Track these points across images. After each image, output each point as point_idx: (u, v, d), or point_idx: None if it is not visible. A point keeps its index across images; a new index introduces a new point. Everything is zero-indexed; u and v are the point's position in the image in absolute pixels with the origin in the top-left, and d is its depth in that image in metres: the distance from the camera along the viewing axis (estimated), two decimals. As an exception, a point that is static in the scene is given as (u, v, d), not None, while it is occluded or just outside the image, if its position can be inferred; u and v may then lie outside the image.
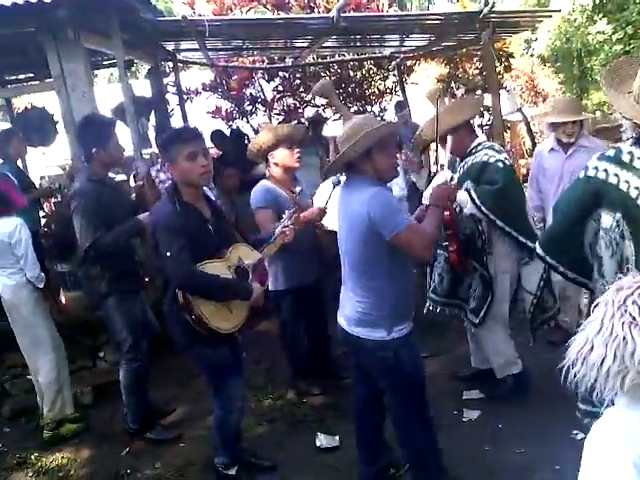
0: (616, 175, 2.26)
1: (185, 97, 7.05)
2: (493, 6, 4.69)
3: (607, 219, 2.31)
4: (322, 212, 3.37)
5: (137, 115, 5.26)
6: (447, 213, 3.05)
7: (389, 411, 2.72)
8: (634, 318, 1.19)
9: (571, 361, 1.26)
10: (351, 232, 2.44)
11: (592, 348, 1.23)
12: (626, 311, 1.20)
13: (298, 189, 3.65)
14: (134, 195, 3.76)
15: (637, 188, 2.20)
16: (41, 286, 3.53)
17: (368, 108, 7.52)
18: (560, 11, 8.17)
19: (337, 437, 3.32)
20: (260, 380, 4.08)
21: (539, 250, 2.64)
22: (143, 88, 6.99)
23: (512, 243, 3.31)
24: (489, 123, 7.00)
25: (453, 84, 7.59)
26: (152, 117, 6.41)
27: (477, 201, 3.18)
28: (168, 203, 2.68)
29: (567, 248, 2.53)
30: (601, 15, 11.60)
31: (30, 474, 3.39)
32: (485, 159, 3.27)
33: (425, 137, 3.41)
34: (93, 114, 3.72)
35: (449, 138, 3.28)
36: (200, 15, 6.46)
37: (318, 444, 3.29)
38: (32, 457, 3.53)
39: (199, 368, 3.04)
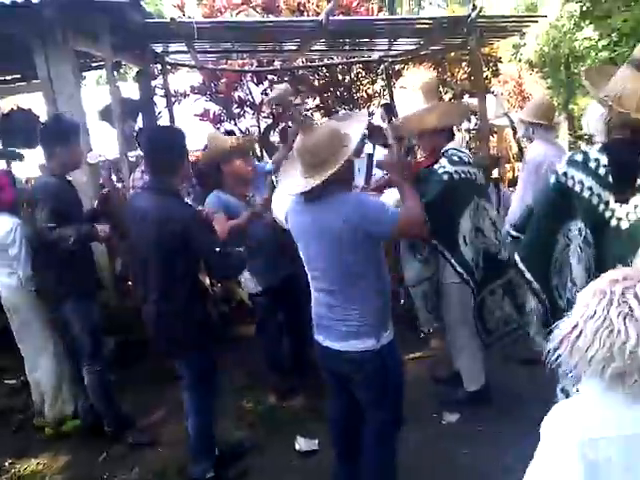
0: (580, 182, 2.27)
1: (173, 100, 7.03)
2: (480, 11, 4.70)
3: (573, 227, 2.33)
4: (267, 202, 3.35)
5: (124, 117, 5.25)
6: None
7: (368, 426, 2.60)
8: (632, 310, 1.22)
9: (556, 343, 1.30)
10: (334, 246, 2.31)
11: (580, 334, 1.26)
12: (624, 302, 1.23)
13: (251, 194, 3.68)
14: (97, 201, 3.68)
15: (599, 195, 2.23)
16: (32, 289, 3.51)
17: (356, 112, 7.53)
18: (546, 17, 8.25)
19: (316, 440, 3.32)
20: (241, 384, 4.07)
21: (520, 265, 2.49)
22: (132, 90, 6.97)
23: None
24: (476, 127, 7.04)
25: (441, 88, 7.60)
26: (139, 120, 6.40)
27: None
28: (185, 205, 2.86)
29: (540, 263, 2.45)
30: (588, 22, 11.68)
31: (4, 480, 3.35)
32: (436, 167, 3.22)
33: (403, 128, 3.42)
34: (59, 115, 3.75)
35: (425, 138, 3.34)
36: (190, 18, 6.46)
37: (297, 448, 3.29)
38: (6, 464, 3.48)
39: (191, 372, 2.96)
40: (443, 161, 3.24)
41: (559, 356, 1.29)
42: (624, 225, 2.20)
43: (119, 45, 5.06)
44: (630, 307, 1.22)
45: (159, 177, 2.79)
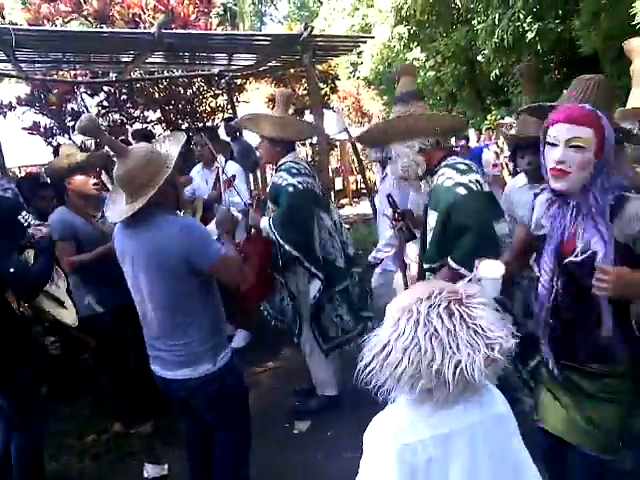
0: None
1: (-4, 112, 6.45)
2: (312, 30, 4.90)
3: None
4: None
5: None
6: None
7: (218, 447, 2.56)
8: (436, 330, 1.26)
9: (368, 360, 1.32)
10: (157, 271, 2.24)
11: (391, 351, 1.29)
12: (429, 322, 1.27)
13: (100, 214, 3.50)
14: None
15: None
16: None
17: (200, 125, 7.45)
18: (374, 37, 8.83)
19: (166, 466, 3.21)
20: (83, 414, 3.81)
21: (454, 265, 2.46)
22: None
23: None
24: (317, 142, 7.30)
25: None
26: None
27: (273, 228, 3.28)
28: None
29: None
30: (416, 44, 12.70)
31: None
32: (279, 182, 3.35)
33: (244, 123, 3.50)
34: None
35: (264, 145, 3.43)
36: (13, 24, 5.97)
37: (146, 475, 3.15)
38: None
39: (9, 401, 2.73)
40: (284, 174, 3.35)
41: (371, 371, 1.31)
42: None
43: None
44: (435, 327, 1.26)
45: None
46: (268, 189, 3.52)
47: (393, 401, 1.38)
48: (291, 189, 3.29)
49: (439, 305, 1.29)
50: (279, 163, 3.44)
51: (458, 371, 1.24)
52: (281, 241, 3.28)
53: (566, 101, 2.37)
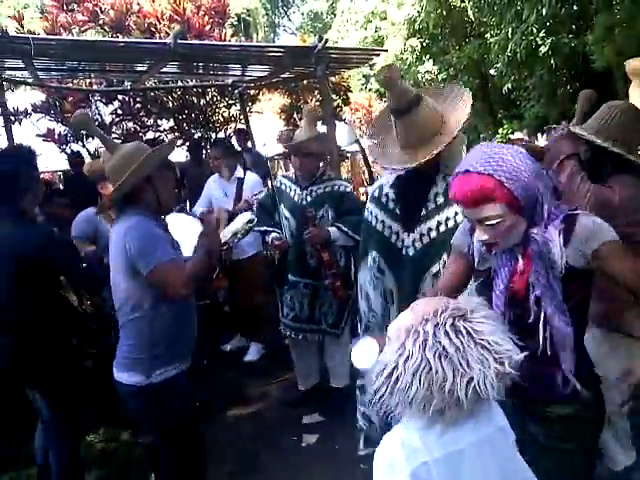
0: (376, 217, 2.52)
1: (13, 118, 6.51)
2: (326, 42, 4.94)
3: (368, 258, 2.55)
4: None
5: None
6: (326, 255, 3.37)
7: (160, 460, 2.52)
8: (445, 349, 1.24)
9: (377, 385, 1.29)
10: (115, 266, 2.25)
11: (400, 376, 1.26)
12: (437, 342, 1.25)
13: None
14: None
15: (390, 227, 2.46)
16: None
17: (213, 135, 7.50)
18: (387, 51, 8.90)
19: (173, 475, 3.19)
20: (91, 422, 3.80)
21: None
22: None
23: None
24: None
25: (295, 115, 7.82)
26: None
27: (350, 233, 3.38)
28: None
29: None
30: (428, 56, 12.77)
31: None
32: (342, 189, 3.56)
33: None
34: None
35: (303, 159, 3.49)
36: (31, 32, 6.06)
37: (153, 485, 3.13)
38: None
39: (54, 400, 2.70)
40: (342, 182, 3.69)
41: (381, 396, 1.29)
42: (411, 252, 2.41)
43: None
44: (443, 346, 1.24)
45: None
46: (321, 197, 3.57)
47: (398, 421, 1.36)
48: (354, 194, 3.74)
49: (445, 324, 1.27)
50: (320, 172, 3.59)
51: (471, 388, 1.23)
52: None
53: (594, 122, 2.37)
